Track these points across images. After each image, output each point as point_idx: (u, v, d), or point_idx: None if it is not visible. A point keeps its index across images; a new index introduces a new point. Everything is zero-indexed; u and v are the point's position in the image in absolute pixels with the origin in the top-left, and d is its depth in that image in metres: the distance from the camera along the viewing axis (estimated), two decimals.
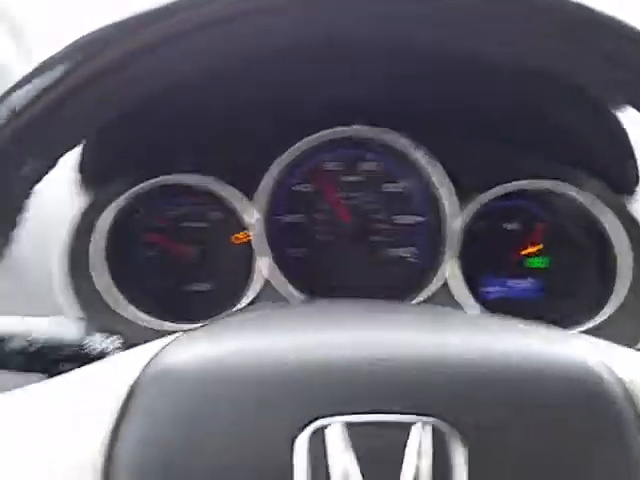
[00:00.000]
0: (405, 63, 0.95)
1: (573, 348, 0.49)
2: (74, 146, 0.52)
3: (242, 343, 0.49)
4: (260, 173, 1.12)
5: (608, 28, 0.47)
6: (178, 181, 1.11)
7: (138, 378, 0.47)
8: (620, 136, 0.98)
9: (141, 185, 1.09)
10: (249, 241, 1.13)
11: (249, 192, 1.12)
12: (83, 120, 0.50)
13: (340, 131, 1.14)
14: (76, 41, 0.47)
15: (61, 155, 0.51)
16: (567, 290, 1.13)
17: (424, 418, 0.44)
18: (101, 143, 0.95)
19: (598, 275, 1.10)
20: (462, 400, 0.45)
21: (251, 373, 0.46)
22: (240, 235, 1.15)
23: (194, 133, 1.09)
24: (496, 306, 1.13)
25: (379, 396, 0.45)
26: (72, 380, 0.50)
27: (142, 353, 0.50)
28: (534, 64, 0.52)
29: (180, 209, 1.16)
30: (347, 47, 0.85)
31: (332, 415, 0.44)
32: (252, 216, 1.12)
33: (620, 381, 0.47)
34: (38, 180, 0.51)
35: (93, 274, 1.04)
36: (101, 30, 0.47)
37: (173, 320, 1.07)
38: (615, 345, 0.55)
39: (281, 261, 1.14)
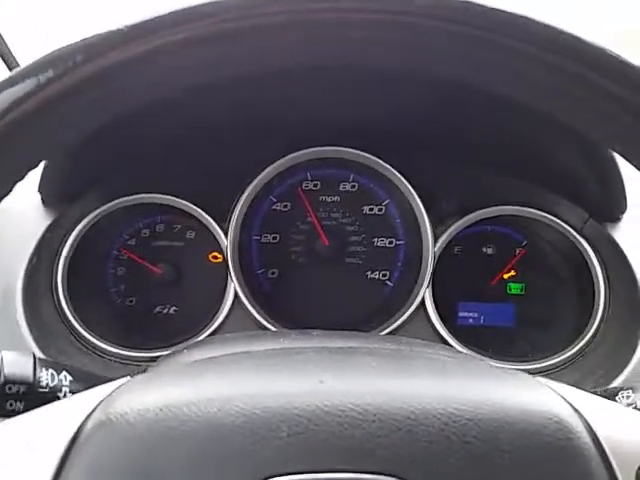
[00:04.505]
0: (389, 87, 0.94)
1: (544, 399, 0.47)
2: (33, 168, 0.49)
3: (191, 392, 0.46)
4: (235, 192, 1.10)
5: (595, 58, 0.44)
6: (152, 200, 1.09)
7: (79, 428, 0.44)
8: (608, 164, 0.96)
9: (108, 205, 1.07)
10: (224, 262, 1.10)
11: (222, 212, 1.09)
12: (44, 143, 0.48)
13: (319, 151, 1.12)
14: (41, 58, 0.44)
15: (22, 177, 0.49)
16: (542, 318, 1.12)
17: (381, 478, 0.42)
18: (65, 162, 0.93)
19: (576, 305, 1.09)
20: (421, 457, 0.43)
21: (200, 426, 0.43)
22: (216, 254, 1.13)
23: (167, 152, 1.07)
24: (470, 332, 1.12)
25: (334, 452, 0.43)
26: (14, 428, 0.47)
27: (87, 400, 0.48)
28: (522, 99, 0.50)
29: (154, 228, 1.14)
30: (332, 71, 0.84)
31: (284, 474, 0.41)
32: (226, 235, 1.09)
33: (595, 437, 0.44)
34: None
35: (54, 299, 1.02)
36: (69, 47, 0.44)
37: (135, 346, 1.05)
38: (591, 396, 0.53)
39: (253, 283, 1.12)
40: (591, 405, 0.48)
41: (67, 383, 0.64)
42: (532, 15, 0.45)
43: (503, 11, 0.44)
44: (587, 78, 0.45)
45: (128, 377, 0.53)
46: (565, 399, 0.47)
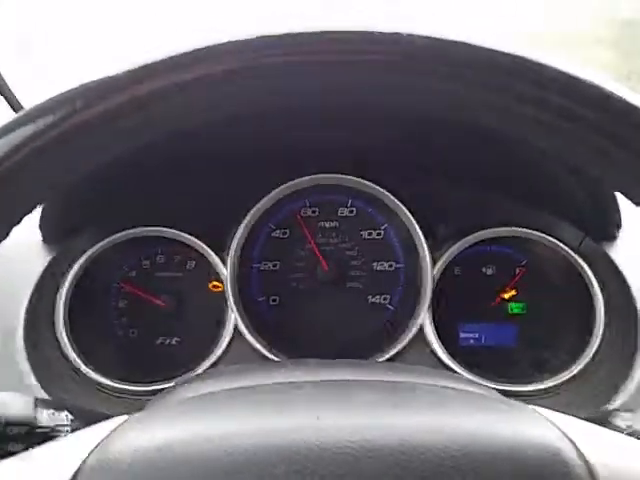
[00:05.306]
0: (381, 117, 0.94)
1: (540, 432, 0.47)
2: (34, 208, 0.50)
3: (188, 431, 0.47)
4: (233, 221, 1.10)
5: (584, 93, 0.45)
6: (150, 234, 1.10)
7: (78, 470, 0.44)
8: (602, 184, 0.97)
9: (107, 240, 1.07)
10: (225, 291, 1.11)
11: (221, 241, 1.10)
12: (45, 183, 0.49)
13: (318, 179, 1.13)
14: (45, 102, 0.45)
15: (22, 218, 0.49)
16: (544, 338, 1.11)
17: None
18: (64, 198, 0.93)
19: (575, 324, 1.08)
20: None
21: (197, 466, 0.43)
22: (216, 284, 1.13)
23: (164, 185, 1.08)
24: (472, 354, 1.12)
25: None
26: (11, 469, 0.48)
27: (84, 440, 0.48)
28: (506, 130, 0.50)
29: (154, 259, 1.14)
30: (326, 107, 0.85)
31: None
32: (225, 265, 1.10)
33: (590, 470, 0.44)
34: None
35: (55, 337, 1.02)
36: (71, 91, 0.45)
37: (137, 380, 1.05)
38: (588, 425, 0.53)
39: (253, 311, 1.12)
40: (587, 436, 0.48)
41: (68, 422, 0.65)
42: (526, 54, 0.45)
43: (494, 51, 0.45)
44: (584, 118, 0.45)
45: (126, 416, 0.53)
46: (562, 431, 0.47)
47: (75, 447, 0.47)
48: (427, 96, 0.49)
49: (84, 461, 0.45)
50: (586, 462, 0.44)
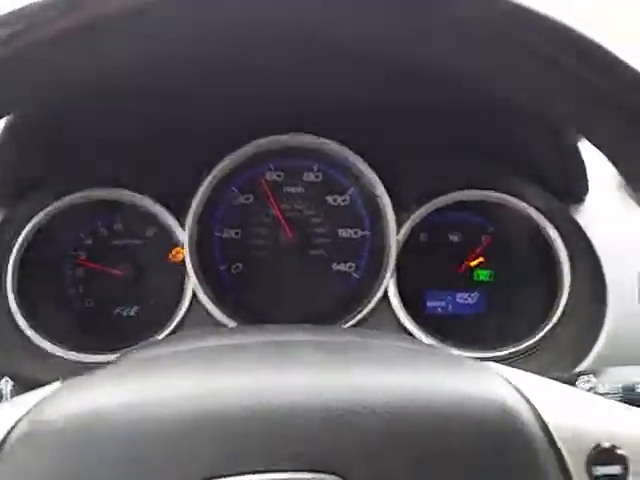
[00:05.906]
0: (347, 71, 0.91)
1: (492, 388, 0.45)
2: None
3: (124, 396, 0.45)
4: (192, 186, 1.06)
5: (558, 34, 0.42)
6: (107, 197, 1.05)
7: (4, 439, 0.43)
8: (570, 146, 0.95)
9: (60, 201, 1.02)
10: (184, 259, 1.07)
11: (180, 207, 1.06)
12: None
13: (282, 139, 1.09)
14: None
15: None
16: (510, 304, 1.10)
17: (320, 476, 0.40)
18: (15, 157, 0.89)
19: (542, 290, 1.07)
20: (364, 453, 0.41)
21: (131, 432, 0.42)
22: (176, 252, 1.09)
23: (123, 146, 1.03)
24: (438, 321, 1.10)
25: (271, 451, 0.41)
26: None
27: (20, 404, 0.46)
28: (481, 76, 0.48)
29: (112, 226, 1.10)
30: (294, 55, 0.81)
31: (223, 476, 0.39)
32: (185, 232, 1.06)
33: (541, 422, 0.43)
34: None
35: (3, 302, 0.98)
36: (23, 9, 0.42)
37: (92, 350, 1.01)
38: (544, 380, 0.52)
39: (214, 280, 1.08)
40: (542, 391, 0.47)
41: (9, 389, 0.62)
42: None
43: None
44: (552, 57, 0.43)
45: (58, 383, 0.50)
46: (515, 387, 0.46)
47: (7, 412, 0.45)
48: (400, 40, 0.46)
49: (15, 425, 0.43)
50: (540, 419, 0.43)
